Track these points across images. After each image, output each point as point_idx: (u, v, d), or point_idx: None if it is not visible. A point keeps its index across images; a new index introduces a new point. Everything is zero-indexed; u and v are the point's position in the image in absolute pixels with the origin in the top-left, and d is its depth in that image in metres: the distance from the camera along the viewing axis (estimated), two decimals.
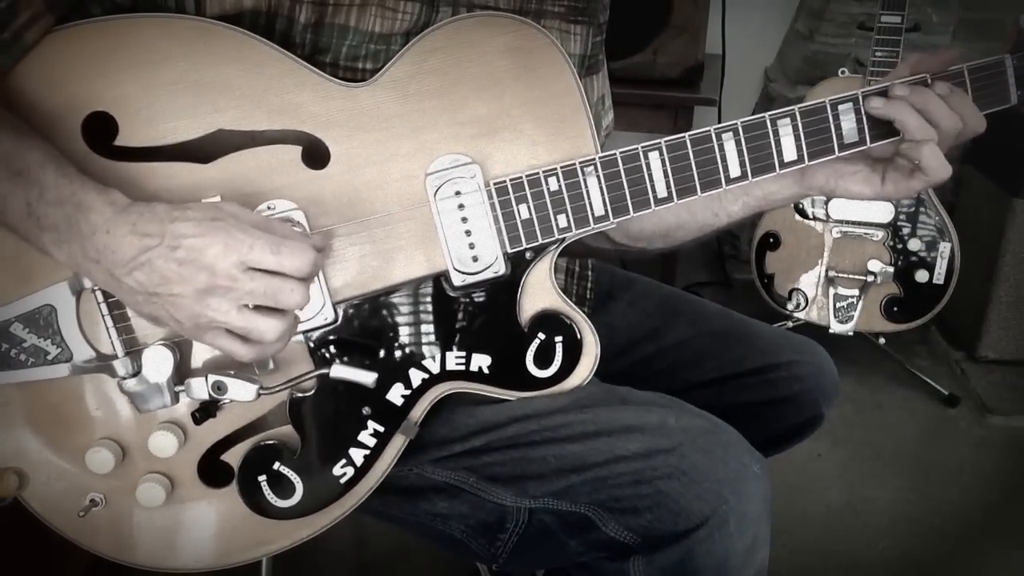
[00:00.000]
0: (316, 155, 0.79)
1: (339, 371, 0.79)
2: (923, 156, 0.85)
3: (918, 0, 2.17)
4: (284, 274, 0.70)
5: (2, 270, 0.76)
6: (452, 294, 0.83)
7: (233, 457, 0.82)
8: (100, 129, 0.75)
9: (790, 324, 2.10)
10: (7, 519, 0.85)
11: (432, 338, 0.84)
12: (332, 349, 0.82)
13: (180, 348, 0.78)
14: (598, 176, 0.83)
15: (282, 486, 0.82)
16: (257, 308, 0.71)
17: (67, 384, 0.79)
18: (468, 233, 0.82)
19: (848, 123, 0.87)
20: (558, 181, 0.83)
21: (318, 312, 0.80)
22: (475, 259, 0.83)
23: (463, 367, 0.85)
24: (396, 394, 0.84)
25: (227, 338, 0.72)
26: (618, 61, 1.95)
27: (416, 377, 0.84)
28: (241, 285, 0.69)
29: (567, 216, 0.83)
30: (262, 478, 0.81)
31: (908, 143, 0.86)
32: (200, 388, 0.76)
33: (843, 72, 1.97)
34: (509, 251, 0.83)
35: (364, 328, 0.83)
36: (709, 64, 2.13)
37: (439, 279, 0.83)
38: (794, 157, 0.87)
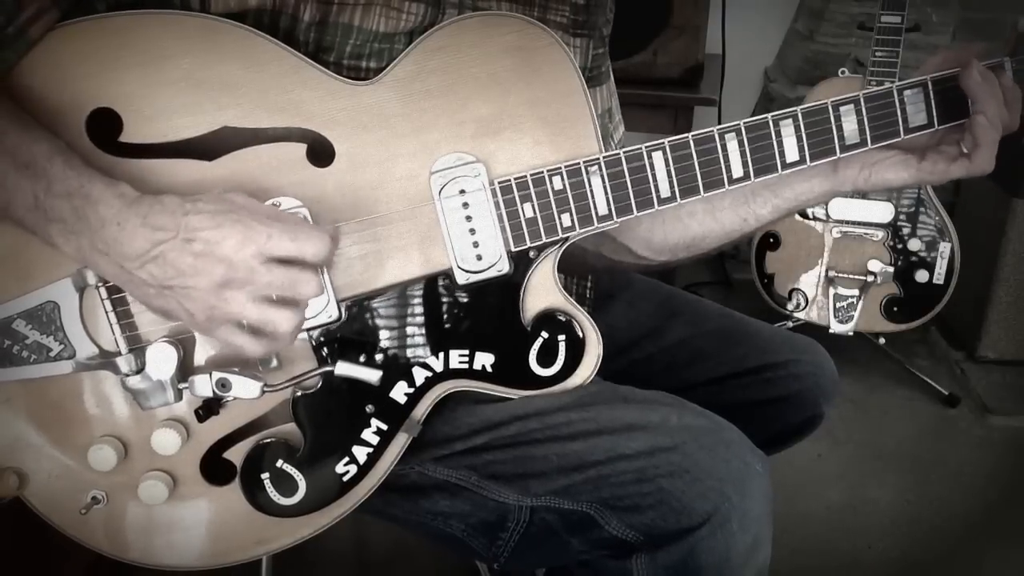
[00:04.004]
0: (321, 153, 0.79)
1: (344, 368, 0.79)
2: (984, 142, 0.83)
3: (918, 0, 2.17)
4: (302, 262, 0.71)
5: (3, 267, 0.76)
6: (456, 293, 0.83)
7: (236, 455, 0.82)
8: (104, 125, 0.75)
9: (790, 324, 2.10)
10: (7, 517, 0.85)
11: (436, 336, 0.84)
12: (336, 347, 0.82)
13: (184, 345, 0.78)
14: (602, 175, 0.83)
15: (285, 484, 0.82)
16: (270, 300, 0.71)
17: (69, 381, 0.79)
18: (472, 232, 0.82)
19: (849, 124, 0.87)
20: (562, 180, 0.83)
21: (322, 310, 0.80)
22: (479, 258, 0.83)
23: (466, 365, 0.85)
24: (399, 392, 0.84)
25: (239, 333, 0.71)
26: (618, 61, 1.93)
27: (419, 375, 0.84)
28: (259, 277, 0.69)
29: (571, 215, 0.83)
30: (265, 476, 0.81)
31: (977, 126, 0.83)
32: (204, 385, 0.76)
33: (843, 72, 1.97)
34: (513, 250, 0.83)
35: (368, 326, 0.83)
36: (709, 64, 2.12)
37: (443, 278, 0.83)
38: (796, 158, 0.87)
